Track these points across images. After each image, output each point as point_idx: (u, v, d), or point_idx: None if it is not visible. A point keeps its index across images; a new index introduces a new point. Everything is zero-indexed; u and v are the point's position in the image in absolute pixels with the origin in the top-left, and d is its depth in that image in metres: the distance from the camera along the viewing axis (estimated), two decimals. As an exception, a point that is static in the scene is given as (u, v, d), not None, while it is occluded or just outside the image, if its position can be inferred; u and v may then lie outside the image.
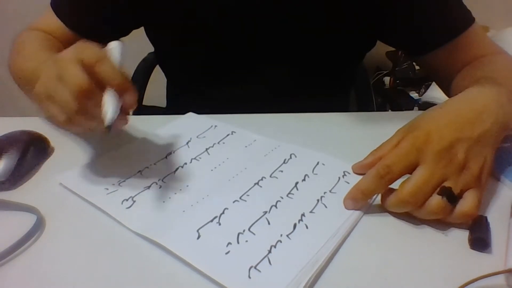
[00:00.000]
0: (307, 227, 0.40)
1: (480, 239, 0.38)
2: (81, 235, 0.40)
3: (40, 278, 0.36)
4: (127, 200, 0.43)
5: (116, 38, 0.66)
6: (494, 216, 0.41)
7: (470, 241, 0.38)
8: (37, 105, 0.44)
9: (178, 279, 0.35)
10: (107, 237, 0.40)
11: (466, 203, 0.39)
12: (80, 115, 0.40)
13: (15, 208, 0.43)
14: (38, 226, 0.40)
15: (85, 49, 0.41)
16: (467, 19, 0.61)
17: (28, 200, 0.43)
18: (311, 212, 0.42)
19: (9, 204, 0.44)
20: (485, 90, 0.47)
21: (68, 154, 0.53)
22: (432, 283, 0.35)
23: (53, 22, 0.65)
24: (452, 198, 0.39)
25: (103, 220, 0.42)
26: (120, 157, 0.51)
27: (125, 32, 0.69)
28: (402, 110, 1.51)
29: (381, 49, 0.71)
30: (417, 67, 1.59)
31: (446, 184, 0.39)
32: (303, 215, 0.41)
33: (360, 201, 0.42)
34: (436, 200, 0.39)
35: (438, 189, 0.39)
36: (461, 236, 0.40)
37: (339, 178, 0.47)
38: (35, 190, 0.47)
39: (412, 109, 1.52)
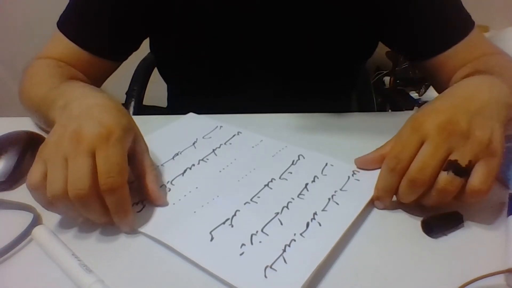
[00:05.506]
0: (320, 225, 0.40)
1: (426, 223, 0.40)
2: (77, 233, 0.40)
3: (37, 276, 0.36)
4: (137, 204, 0.43)
5: (128, 53, 0.66)
6: (492, 215, 0.41)
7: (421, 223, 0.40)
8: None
9: (188, 283, 0.35)
10: (104, 236, 0.40)
11: (476, 178, 0.37)
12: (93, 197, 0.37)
13: (12, 207, 0.43)
14: (35, 224, 0.40)
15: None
16: (466, 25, 0.60)
17: (26, 200, 0.43)
18: (323, 210, 0.42)
19: (5, 203, 0.44)
20: (476, 78, 0.48)
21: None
22: (432, 283, 0.35)
23: (63, 46, 0.61)
24: (459, 170, 0.36)
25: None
26: None
27: (137, 46, 0.67)
28: (402, 110, 1.51)
29: (381, 49, 0.70)
30: (417, 67, 1.59)
31: (452, 157, 0.37)
32: (315, 213, 0.41)
33: (386, 198, 0.42)
34: (443, 176, 0.37)
35: (444, 164, 0.37)
36: (461, 236, 0.40)
37: (349, 177, 0.47)
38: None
39: (412, 109, 1.52)
